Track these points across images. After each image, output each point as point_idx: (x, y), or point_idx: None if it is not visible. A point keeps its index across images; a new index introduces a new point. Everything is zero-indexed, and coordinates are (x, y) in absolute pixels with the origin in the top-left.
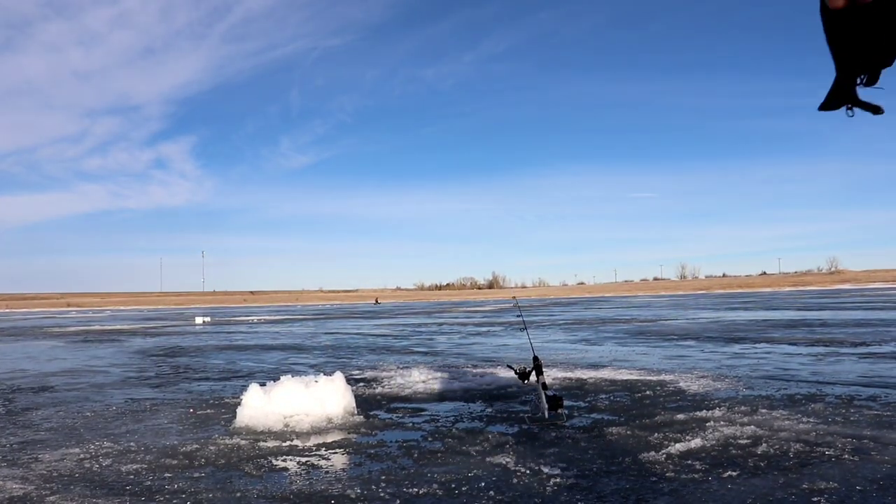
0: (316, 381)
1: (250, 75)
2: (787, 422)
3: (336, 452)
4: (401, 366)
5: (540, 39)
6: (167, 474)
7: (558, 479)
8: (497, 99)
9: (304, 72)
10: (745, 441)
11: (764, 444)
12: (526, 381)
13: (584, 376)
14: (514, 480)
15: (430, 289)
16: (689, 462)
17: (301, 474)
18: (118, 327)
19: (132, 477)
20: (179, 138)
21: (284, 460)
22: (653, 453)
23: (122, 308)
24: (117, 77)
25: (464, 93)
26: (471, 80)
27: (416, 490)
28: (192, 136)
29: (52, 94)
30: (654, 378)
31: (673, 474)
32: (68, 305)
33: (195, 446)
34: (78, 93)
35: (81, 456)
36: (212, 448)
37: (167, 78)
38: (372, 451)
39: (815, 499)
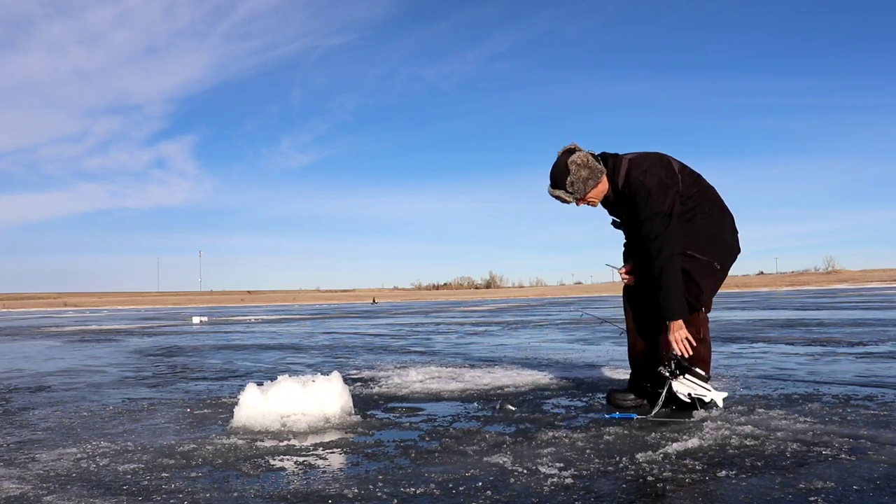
0: (313, 381)
1: (252, 74)
2: (784, 421)
3: (333, 452)
4: (398, 365)
5: (542, 38)
6: (164, 474)
7: (555, 479)
8: (498, 98)
9: (306, 71)
10: (743, 441)
11: (761, 444)
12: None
13: (582, 376)
14: (512, 480)
15: (427, 288)
16: (687, 462)
17: (298, 474)
18: (115, 327)
19: (129, 477)
20: (180, 137)
21: (282, 460)
22: (650, 453)
23: (119, 308)
24: (118, 76)
25: (465, 92)
26: (472, 80)
27: (413, 490)
28: (192, 136)
29: (52, 93)
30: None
31: (670, 474)
32: (66, 305)
33: (192, 446)
34: (79, 92)
35: (79, 456)
36: (209, 448)
37: (168, 77)
38: (369, 451)
39: (812, 498)
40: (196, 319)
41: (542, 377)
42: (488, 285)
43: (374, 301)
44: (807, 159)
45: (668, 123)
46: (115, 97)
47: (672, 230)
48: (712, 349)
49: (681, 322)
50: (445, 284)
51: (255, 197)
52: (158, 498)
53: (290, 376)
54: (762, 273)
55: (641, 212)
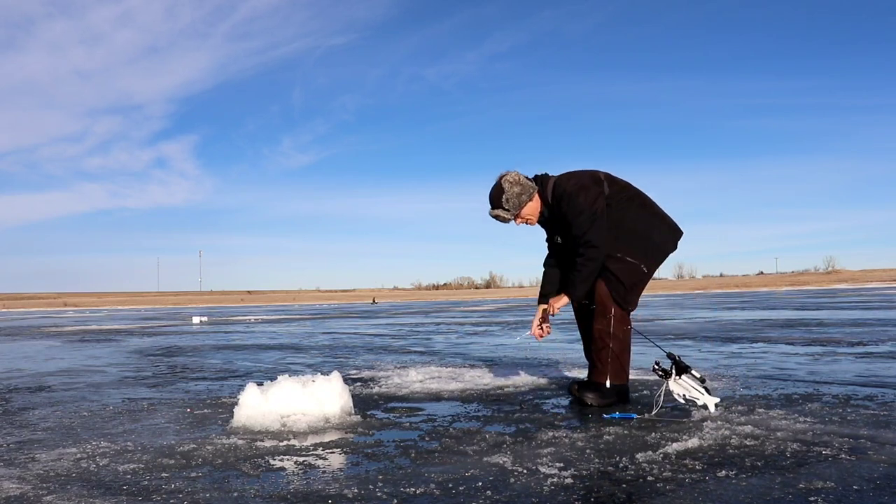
0: (313, 381)
1: (253, 74)
2: (784, 421)
3: (333, 452)
4: (398, 365)
5: (542, 38)
6: (164, 474)
7: (555, 479)
8: (499, 98)
9: (307, 71)
10: (742, 441)
11: (761, 444)
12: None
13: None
14: (512, 480)
15: (427, 288)
16: (687, 462)
17: (298, 474)
18: (115, 327)
19: (129, 476)
20: (180, 137)
21: (282, 460)
22: (650, 453)
23: (119, 308)
24: (119, 76)
25: (466, 92)
26: (473, 80)
27: (413, 490)
28: (193, 136)
29: (53, 93)
30: (652, 377)
31: (670, 474)
32: (66, 305)
33: (192, 446)
34: (79, 92)
35: (78, 456)
36: (209, 448)
37: (169, 77)
38: (369, 451)
39: (812, 498)
40: (196, 319)
41: (542, 377)
42: (488, 285)
43: (374, 301)
44: (807, 159)
45: (668, 123)
46: (116, 97)
47: (599, 226)
48: (712, 349)
49: (567, 299)
50: (445, 284)
51: (256, 197)
52: (158, 498)
53: (290, 376)
54: (762, 273)
55: (568, 215)
